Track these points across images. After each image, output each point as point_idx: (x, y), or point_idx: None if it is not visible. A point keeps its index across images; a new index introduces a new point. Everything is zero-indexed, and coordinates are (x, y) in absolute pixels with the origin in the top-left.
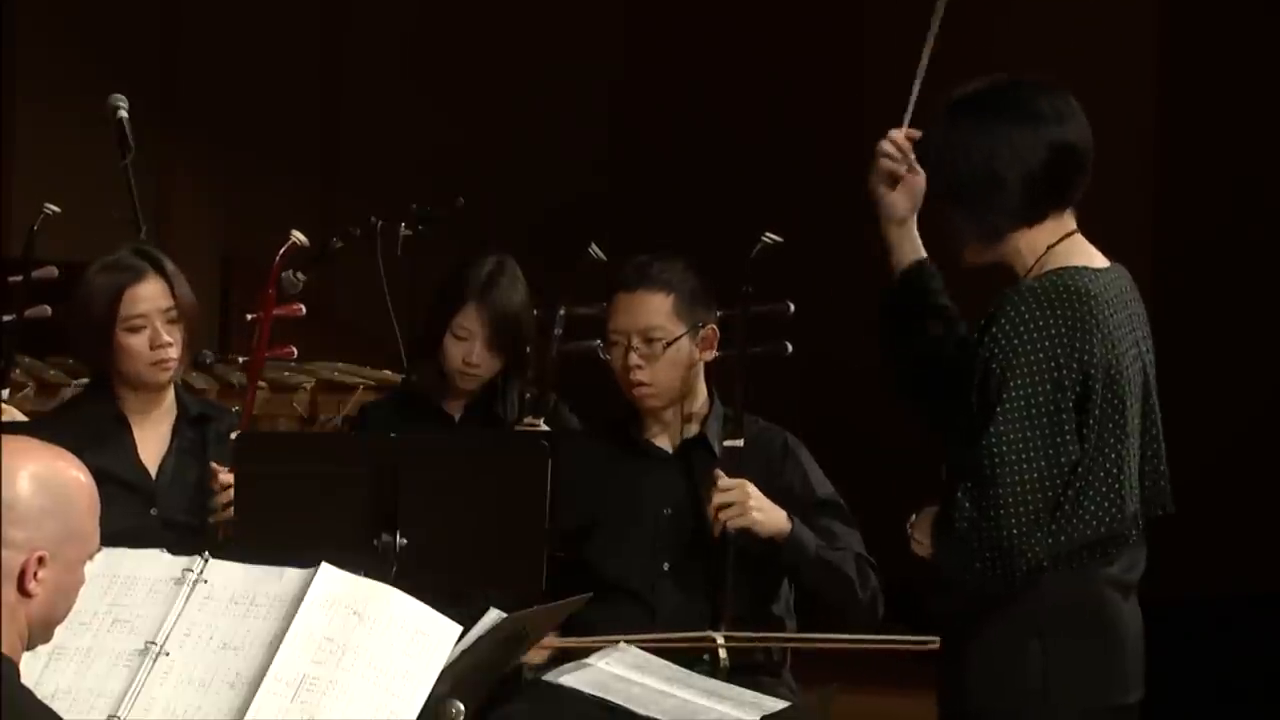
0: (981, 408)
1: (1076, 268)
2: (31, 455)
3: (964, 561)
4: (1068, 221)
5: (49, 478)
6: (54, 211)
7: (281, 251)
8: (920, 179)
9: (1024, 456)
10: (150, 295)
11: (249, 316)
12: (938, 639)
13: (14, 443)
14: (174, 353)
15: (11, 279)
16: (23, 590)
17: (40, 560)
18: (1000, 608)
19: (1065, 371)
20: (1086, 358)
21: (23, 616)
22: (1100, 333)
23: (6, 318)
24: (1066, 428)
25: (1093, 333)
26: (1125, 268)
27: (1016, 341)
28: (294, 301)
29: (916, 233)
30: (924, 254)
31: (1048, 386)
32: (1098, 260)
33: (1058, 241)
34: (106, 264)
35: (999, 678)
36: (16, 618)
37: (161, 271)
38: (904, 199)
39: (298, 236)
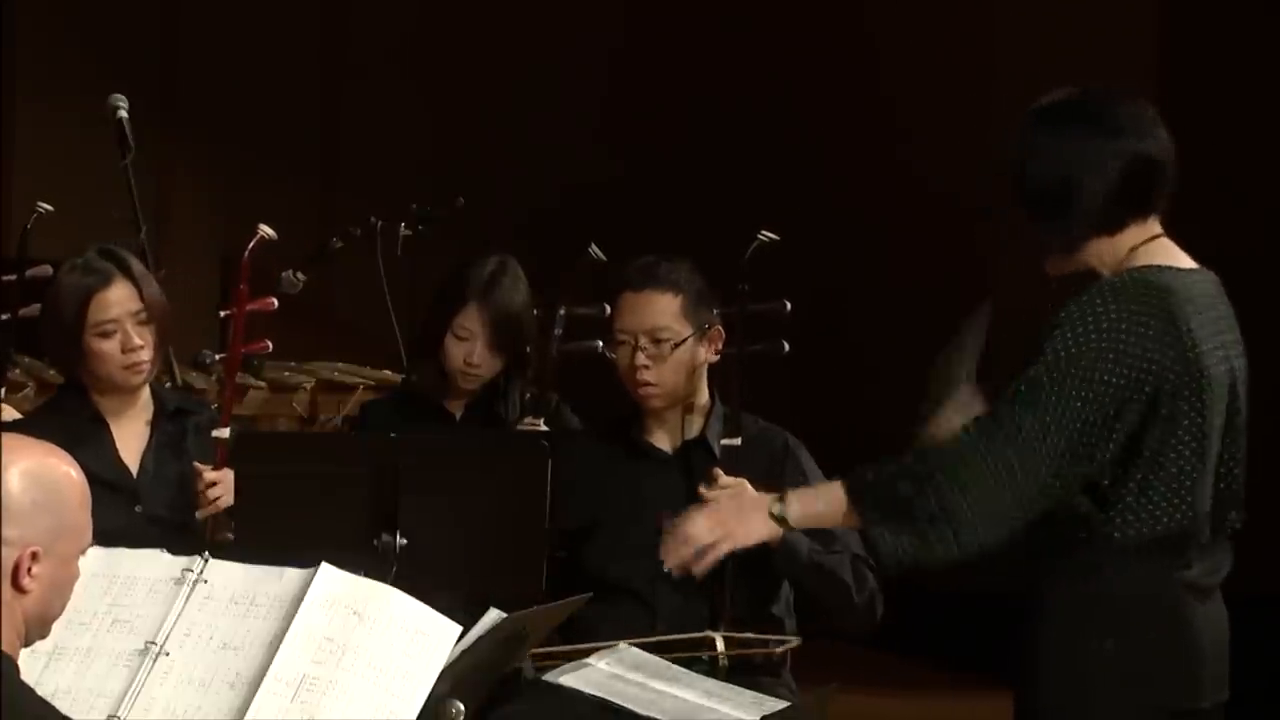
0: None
1: (1159, 266)
2: (22, 451)
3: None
4: (1152, 226)
5: (40, 473)
6: (47, 210)
7: (250, 245)
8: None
9: (1038, 444)
10: (119, 299)
11: (222, 313)
12: (797, 639)
13: (4, 440)
14: (146, 355)
15: (5, 278)
16: (17, 586)
17: (34, 556)
18: (1075, 599)
19: (1124, 369)
20: (1158, 354)
21: (19, 613)
22: (1180, 328)
23: (2, 317)
24: (1097, 430)
25: (1169, 328)
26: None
27: (1078, 332)
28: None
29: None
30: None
31: (1094, 386)
32: (1184, 261)
33: (1142, 244)
34: (74, 267)
35: (1071, 673)
36: (13, 614)
37: (129, 274)
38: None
39: (265, 230)
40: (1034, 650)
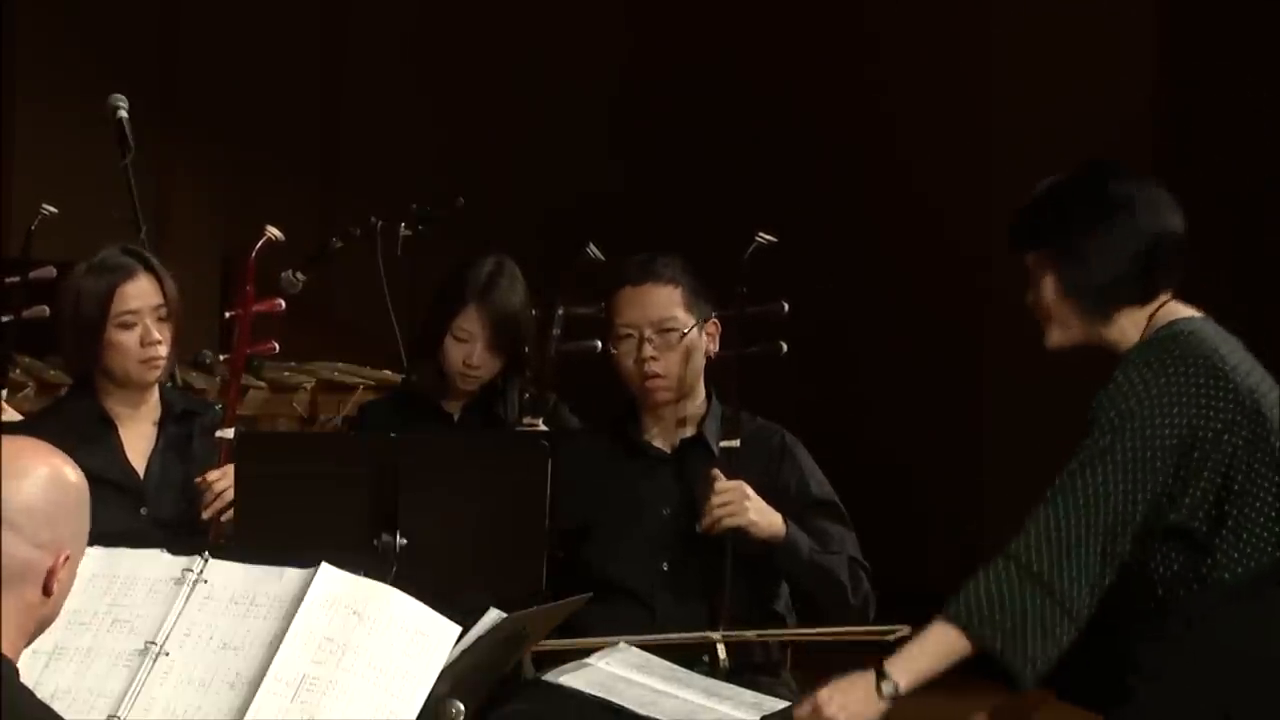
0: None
1: (1184, 318)
2: (40, 455)
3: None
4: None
5: (60, 478)
6: (51, 212)
7: (257, 247)
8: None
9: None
10: (142, 292)
11: (227, 314)
12: (907, 627)
13: (18, 443)
14: (163, 350)
15: (9, 279)
16: (47, 590)
17: (65, 560)
18: (1188, 654)
19: (1183, 420)
20: (1211, 399)
21: (37, 616)
22: (1224, 369)
23: (4, 318)
24: (1170, 483)
25: (1215, 372)
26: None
27: (1130, 399)
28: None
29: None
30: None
31: (1155, 442)
32: (1196, 311)
33: (1158, 308)
34: (96, 264)
35: None
36: (33, 618)
37: (151, 270)
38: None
39: (272, 232)
40: (1141, 698)
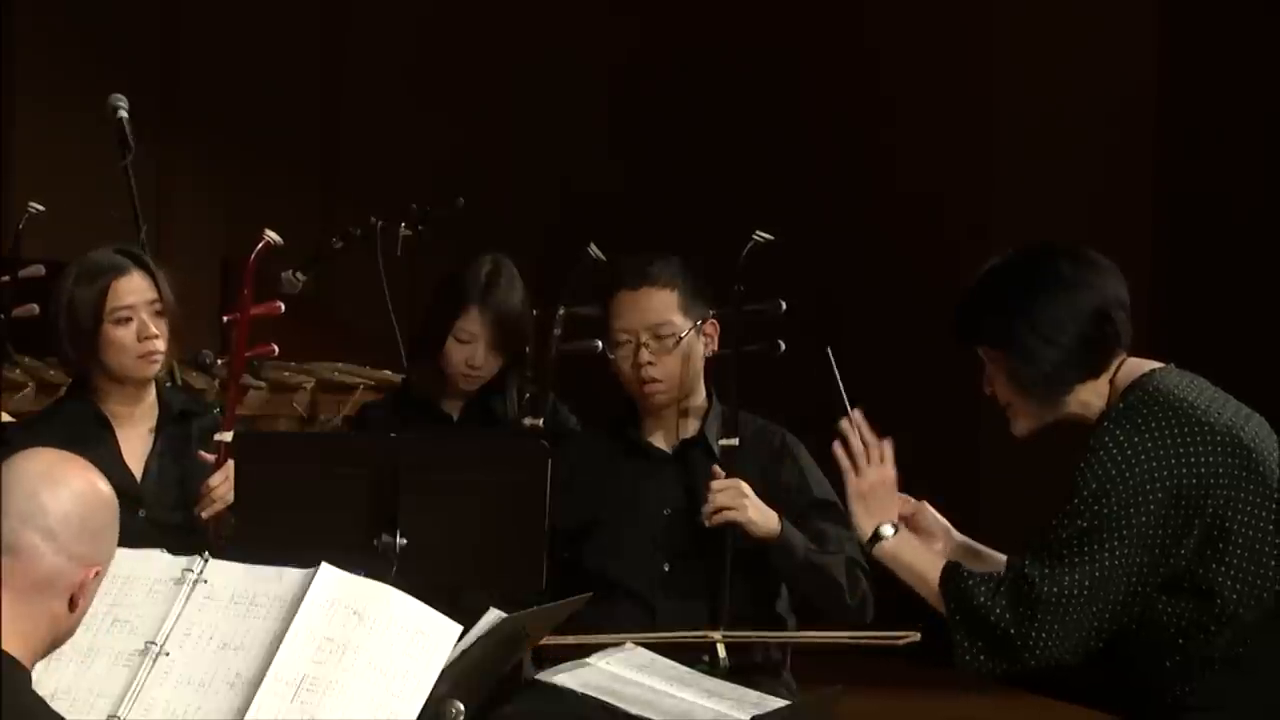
0: (1073, 534)
1: (1145, 374)
2: (77, 468)
3: (975, 638)
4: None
5: (95, 494)
6: (38, 210)
7: (255, 251)
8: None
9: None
10: (137, 288)
11: (225, 318)
12: (917, 633)
13: (52, 454)
14: (160, 345)
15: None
16: (74, 604)
17: (96, 575)
18: (1219, 704)
19: (1166, 482)
20: (1192, 451)
21: (62, 628)
22: (1198, 417)
23: None
24: (1162, 546)
25: (1190, 423)
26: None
27: (1108, 468)
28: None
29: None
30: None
31: (1143, 509)
32: (1153, 364)
33: (1116, 370)
34: (88, 262)
35: None
36: (55, 630)
37: (144, 266)
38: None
39: (270, 236)
40: None
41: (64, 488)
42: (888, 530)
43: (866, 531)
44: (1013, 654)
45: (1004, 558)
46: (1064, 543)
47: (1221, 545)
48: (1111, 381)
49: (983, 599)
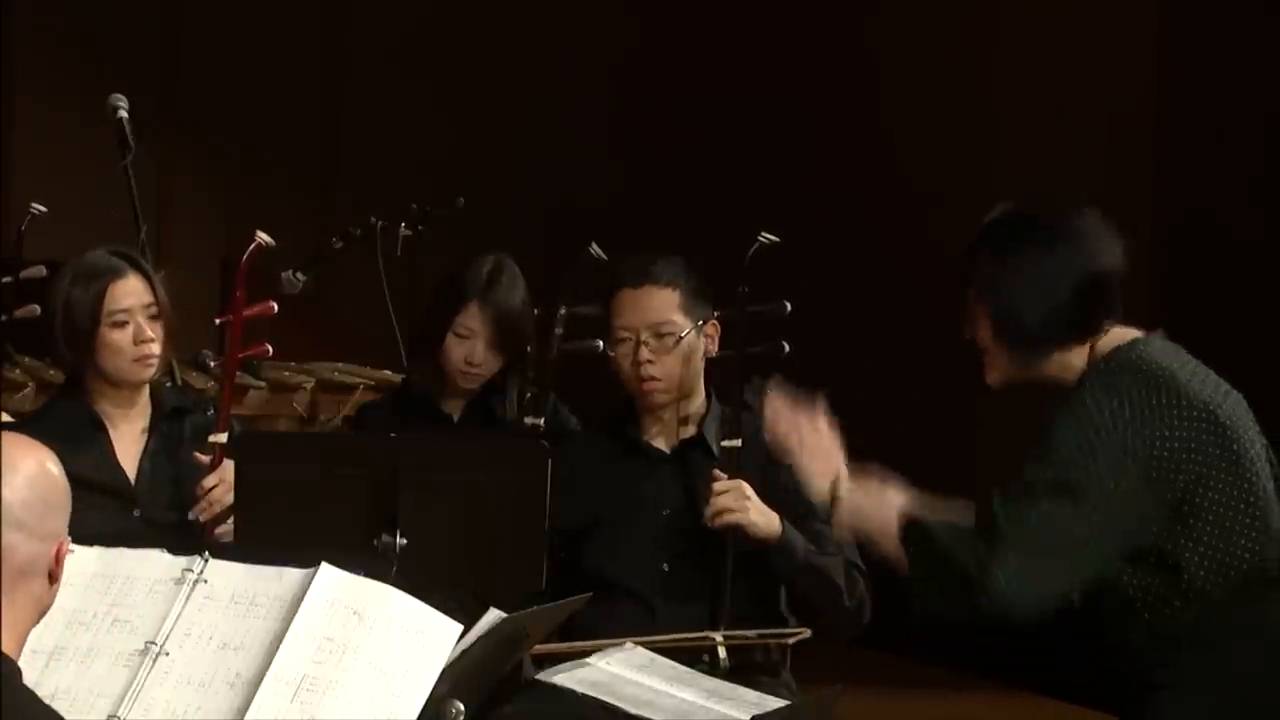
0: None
1: (1129, 343)
2: (22, 449)
3: (939, 586)
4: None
5: (46, 470)
6: (40, 211)
7: (248, 252)
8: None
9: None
10: (133, 291)
11: (217, 320)
12: (808, 630)
13: (11, 437)
14: (156, 348)
15: (2, 279)
16: (54, 577)
17: (63, 545)
18: (1188, 682)
19: (1142, 449)
20: (1168, 421)
21: (45, 604)
22: (1180, 387)
23: None
24: (1124, 519)
25: (1169, 393)
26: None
27: (1095, 431)
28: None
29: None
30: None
31: (1120, 478)
32: (1138, 331)
33: (1100, 336)
34: (84, 264)
35: None
36: (40, 608)
37: (139, 269)
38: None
39: (262, 237)
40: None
41: (16, 475)
42: (845, 487)
43: (823, 492)
44: (969, 594)
45: (960, 505)
46: (1034, 492)
47: (1191, 520)
48: (1093, 347)
49: (944, 540)
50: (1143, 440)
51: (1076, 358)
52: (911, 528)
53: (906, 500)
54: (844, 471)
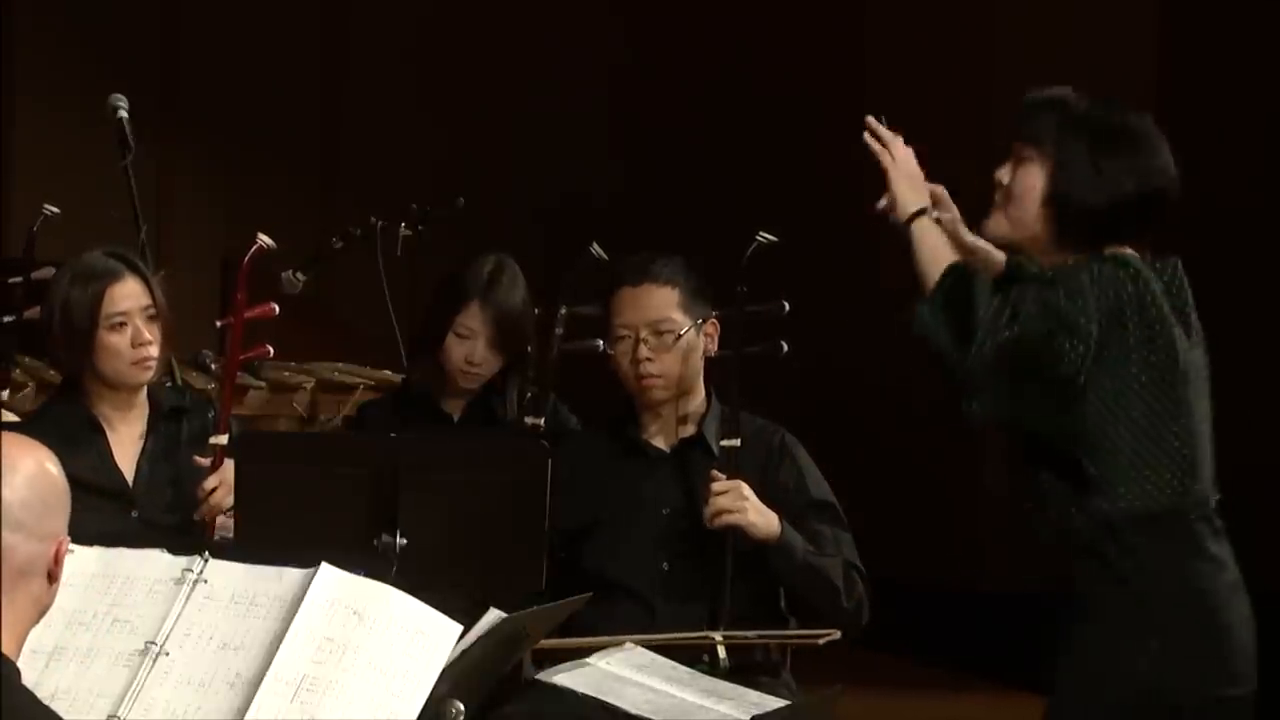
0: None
1: (1124, 253)
2: (20, 449)
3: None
4: None
5: (45, 469)
6: (53, 213)
7: (249, 255)
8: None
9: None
10: (131, 294)
11: (218, 323)
12: (837, 631)
13: (10, 437)
14: (154, 351)
15: (11, 280)
16: (54, 576)
17: (62, 544)
18: (1110, 601)
19: (1108, 301)
20: (1133, 314)
21: (45, 603)
22: (1158, 298)
23: (6, 318)
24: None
25: (1150, 302)
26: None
27: (1069, 272)
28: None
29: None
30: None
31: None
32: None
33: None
34: (81, 269)
35: (1119, 676)
36: (40, 607)
37: (137, 271)
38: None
39: (264, 240)
40: (1073, 647)
41: (15, 475)
42: (931, 211)
43: (911, 207)
44: (961, 351)
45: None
46: (1028, 297)
47: (1125, 402)
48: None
49: (978, 287)
50: (1104, 306)
51: (1079, 256)
52: (958, 268)
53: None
54: (941, 194)
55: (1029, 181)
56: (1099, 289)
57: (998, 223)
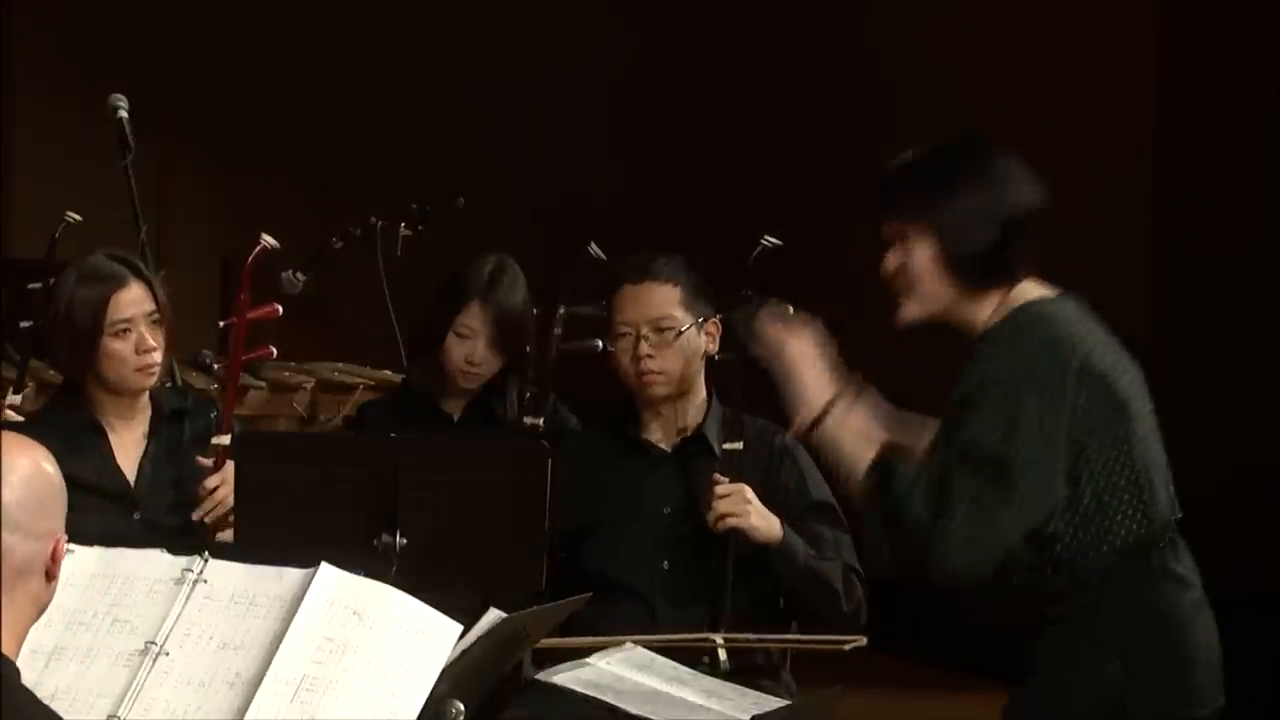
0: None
1: (1038, 299)
2: (16, 448)
3: (887, 541)
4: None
5: (41, 467)
6: (75, 220)
7: (252, 255)
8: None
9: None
10: (135, 300)
11: (221, 323)
12: (863, 638)
13: (7, 437)
14: (158, 357)
15: (31, 285)
16: (51, 574)
17: (60, 542)
18: (1072, 623)
19: (1048, 413)
20: (1062, 390)
21: (44, 601)
22: (1085, 354)
23: (24, 324)
24: (1061, 461)
25: (1072, 360)
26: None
27: (1002, 373)
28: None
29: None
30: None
31: (1051, 405)
32: (1050, 291)
33: (1011, 289)
34: (85, 273)
35: (1077, 699)
36: (39, 606)
37: (141, 276)
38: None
39: (267, 240)
40: (1034, 673)
41: (12, 475)
42: (838, 409)
43: (818, 405)
44: (918, 551)
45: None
46: (967, 457)
47: (1070, 490)
48: (1003, 300)
49: (903, 487)
50: (1035, 397)
51: (991, 305)
52: (881, 467)
53: (885, 440)
54: (841, 394)
55: (920, 257)
56: (1039, 404)
57: (909, 309)
